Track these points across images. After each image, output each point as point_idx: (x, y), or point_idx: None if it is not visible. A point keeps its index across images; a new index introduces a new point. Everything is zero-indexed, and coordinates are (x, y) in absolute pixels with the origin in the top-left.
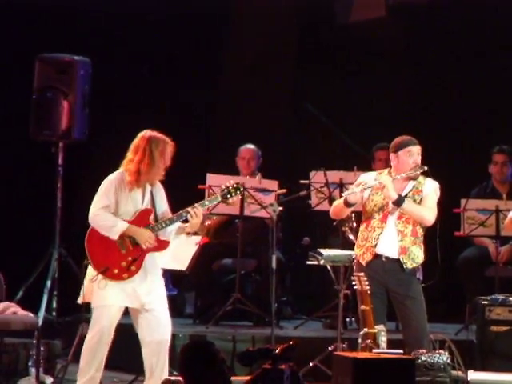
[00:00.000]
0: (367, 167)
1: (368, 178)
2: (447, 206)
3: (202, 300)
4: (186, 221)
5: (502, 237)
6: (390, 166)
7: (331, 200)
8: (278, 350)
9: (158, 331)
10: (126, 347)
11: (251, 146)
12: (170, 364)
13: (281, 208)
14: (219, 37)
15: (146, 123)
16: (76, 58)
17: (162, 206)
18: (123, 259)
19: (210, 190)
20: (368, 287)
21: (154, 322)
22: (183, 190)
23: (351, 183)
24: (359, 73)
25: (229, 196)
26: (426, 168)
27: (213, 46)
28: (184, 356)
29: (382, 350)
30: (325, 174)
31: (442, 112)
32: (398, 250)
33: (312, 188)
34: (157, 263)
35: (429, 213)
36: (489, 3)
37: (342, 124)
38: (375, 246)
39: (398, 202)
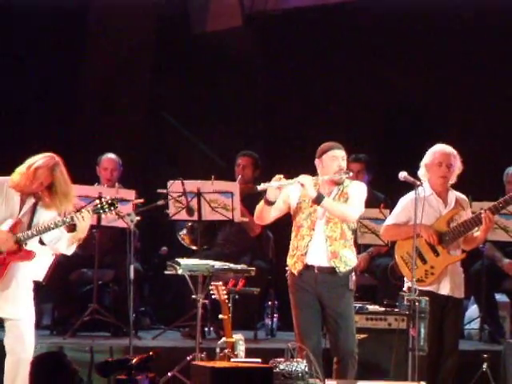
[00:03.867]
0: (225, 176)
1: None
2: None
3: (59, 311)
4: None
5: (358, 245)
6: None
7: (189, 209)
8: (134, 361)
9: (19, 347)
10: None
11: (113, 156)
12: None
13: (138, 218)
14: (76, 47)
15: (3, 134)
16: None
17: (46, 218)
18: None
19: None
20: (226, 296)
21: (17, 336)
22: None
23: (209, 192)
24: (216, 82)
25: (101, 211)
26: (350, 173)
27: (70, 57)
28: (35, 367)
29: (240, 359)
30: (182, 184)
31: (299, 121)
32: (329, 255)
33: (170, 197)
34: (27, 275)
35: (350, 209)
36: (340, 9)
37: (199, 133)
38: (305, 253)
39: (318, 200)
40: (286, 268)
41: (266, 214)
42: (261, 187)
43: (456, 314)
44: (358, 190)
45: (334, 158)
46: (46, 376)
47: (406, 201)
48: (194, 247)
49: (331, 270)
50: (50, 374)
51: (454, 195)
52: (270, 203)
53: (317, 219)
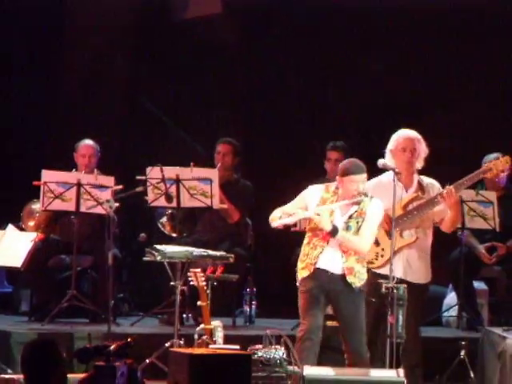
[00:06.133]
0: (205, 163)
1: (314, 192)
2: (283, 201)
3: (37, 297)
4: None
5: None
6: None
7: (168, 196)
8: (113, 347)
9: None
10: None
11: (91, 142)
12: (5, 362)
13: (117, 204)
14: (53, 33)
15: None
16: None
17: None
18: None
19: (46, 187)
20: (205, 283)
21: None
22: (20, 187)
23: (188, 179)
24: (196, 69)
25: None
26: (369, 195)
27: (49, 43)
28: (28, 354)
29: (219, 346)
30: (161, 170)
31: (280, 108)
32: (344, 271)
33: (148, 184)
34: None
35: (362, 244)
36: (318, 1)
37: (179, 120)
38: (314, 263)
39: (333, 233)
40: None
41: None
42: (277, 223)
43: (413, 299)
44: (376, 215)
45: (353, 183)
46: (42, 363)
47: (368, 185)
48: (175, 234)
49: (345, 281)
50: (45, 361)
51: (417, 180)
52: (289, 227)
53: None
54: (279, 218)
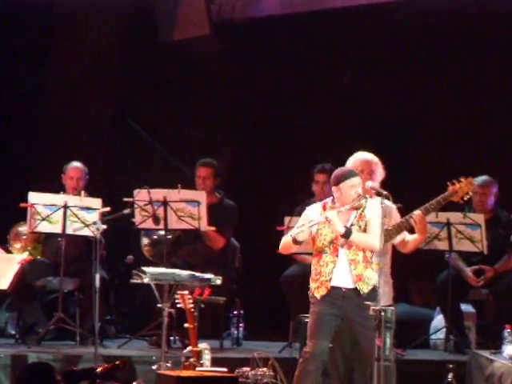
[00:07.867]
0: (191, 185)
1: (313, 211)
2: (271, 223)
3: (24, 319)
4: None
5: None
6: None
7: (155, 218)
8: (99, 370)
9: None
10: None
11: (79, 165)
12: None
13: (104, 226)
14: (42, 50)
15: None
16: None
17: None
18: None
19: (33, 209)
20: (192, 305)
21: None
22: (5, 209)
23: (175, 201)
24: (183, 90)
25: None
26: (367, 196)
27: (35, 60)
28: (25, 376)
29: (206, 368)
30: (148, 192)
31: (264, 130)
32: (354, 279)
33: (136, 206)
34: None
35: (375, 239)
36: (306, 19)
37: (166, 142)
38: (329, 280)
39: (346, 235)
40: (309, 292)
41: (293, 249)
42: (293, 233)
43: None
44: (376, 212)
45: (352, 187)
46: None
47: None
48: (152, 259)
49: (356, 291)
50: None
51: None
52: (298, 243)
53: (339, 245)
54: (290, 235)
